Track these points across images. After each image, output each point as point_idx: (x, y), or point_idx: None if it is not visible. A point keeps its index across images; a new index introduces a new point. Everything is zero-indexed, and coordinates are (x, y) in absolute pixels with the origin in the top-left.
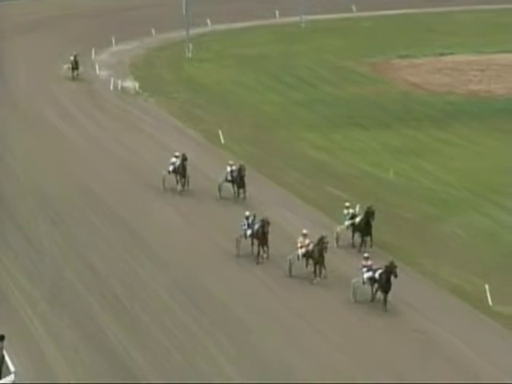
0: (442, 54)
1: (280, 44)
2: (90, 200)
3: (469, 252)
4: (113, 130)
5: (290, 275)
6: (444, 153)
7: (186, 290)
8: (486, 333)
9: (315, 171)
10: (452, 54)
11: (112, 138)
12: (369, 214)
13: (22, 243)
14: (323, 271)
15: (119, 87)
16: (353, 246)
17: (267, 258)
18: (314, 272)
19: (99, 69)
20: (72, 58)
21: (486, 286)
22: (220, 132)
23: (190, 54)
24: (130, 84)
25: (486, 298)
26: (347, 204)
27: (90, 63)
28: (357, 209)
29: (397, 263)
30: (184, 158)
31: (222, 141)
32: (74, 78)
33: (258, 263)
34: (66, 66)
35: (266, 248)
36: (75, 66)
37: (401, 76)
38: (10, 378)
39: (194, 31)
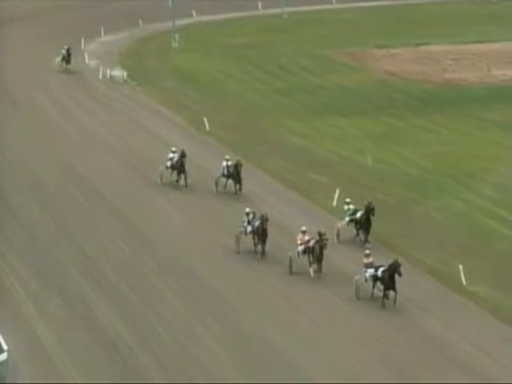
0: (418, 44)
1: (263, 34)
2: (82, 186)
3: (444, 234)
4: (102, 118)
5: (291, 272)
6: (421, 139)
7: (176, 274)
8: (460, 312)
9: (297, 157)
10: (428, 44)
11: (101, 125)
12: (369, 210)
13: (14, 227)
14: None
15: (108, 76)
16: (356, 241)
17: (263, 254)
18: (319, 269)
19: (88, 58)
20: (64, 51)
21: (460, 267)
22: (205, 119)
23: (176, 44)
24: (119, 73)
25: (460, 278)
26: (347, 200)
27: (79, 53)
28: (336, 194)
29: (374, 244)
30: (183, 155)
31: (207, 127)
32: (66, 71)
33: (262, 258)
34: (59, 59)
35: (263, 245)
36: (68, 58)
37: (379, 65)
38: (3, 355)
39: (179, 22)
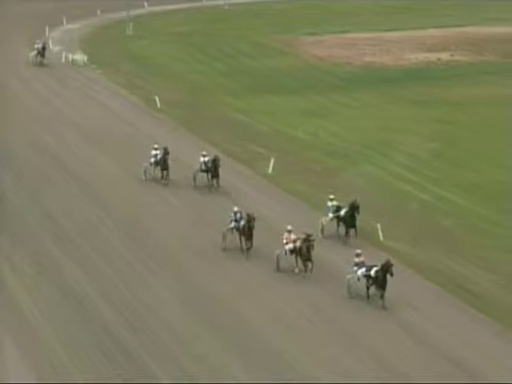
0: (341, 32)
1: (206, 24)
2: (47, 156)
3: (364, 197)
4: (65, 96)
5: (278, 269)
6: (344, 114)
7: (134, 235)
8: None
9: (237, 130)
10: (350, 31)
11: (64, 103)
12: (354, 208)
13: None
14: (309, 265)
15: (70, 60)
16: (339, 236)
17: (248, 250)
18: (305, 267)
19: (52, 44)
20: (37, 45)
21: (378, 225)
22: (156, 97)
23: (130, 32)
24: (80, 57)
25: (378, 235)
26: (331, 197)
27: (44, 40)
28: (271, 163)
29: (301, 203)
30: (166, 152)
31: (158, 105)
32: (40, 64)
33: (247, 257)
34: (33, 54)
35: (250, 242)
36: (42, 53)
37: (308, 50)
38: None
39: (133, 12)
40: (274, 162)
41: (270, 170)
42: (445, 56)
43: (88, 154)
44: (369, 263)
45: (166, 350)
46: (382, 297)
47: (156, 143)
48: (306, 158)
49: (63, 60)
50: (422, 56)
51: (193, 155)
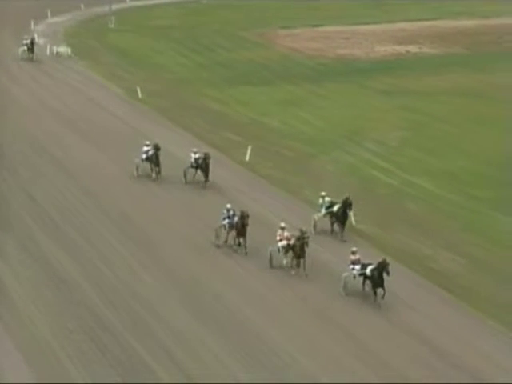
0: (315, 26)
1: (186, 18)
2: (33, 145)
3: (336, 182)
4: (51, 87)
5: (271, 266)
6: (317, 104)
7: (115, 220)
8: (349, 246)
9: (215, 119)
10: (323, 25)
11: (50, 94)
12: (346, 204)
13: None
14: (302, 263)
15: (55, 52)
16: (331, 232)
17: (246, 252)
18: (297, 265)
19: (37, 37)
20: (26, 41)
21: (351, 213)
22: (138, 88)
23: (112, 26)
24: (64, 50)
25: (350, 219)
26: (323, 193)
27: (29, 33)
28: (248, 151)
29: (278, 190)
30: (157, 148)
31: (140, 95)
32: (30, 59)
33: (241, 251)
34: (22, 49)
35: (244, 239)
36: (31, 48)
37: (283, 43)
38: None
39: (115, 6)
40: (251, 150)
41: (247, 158)
42: (413, 48)
43: (71, 143)
44: (365, 261)
45: (153, 334)
46: (379, 295)
47: (147, 140)
48: (280, 146)
49: (48, 52)
50: (392, 48)
51: (174, 144)
